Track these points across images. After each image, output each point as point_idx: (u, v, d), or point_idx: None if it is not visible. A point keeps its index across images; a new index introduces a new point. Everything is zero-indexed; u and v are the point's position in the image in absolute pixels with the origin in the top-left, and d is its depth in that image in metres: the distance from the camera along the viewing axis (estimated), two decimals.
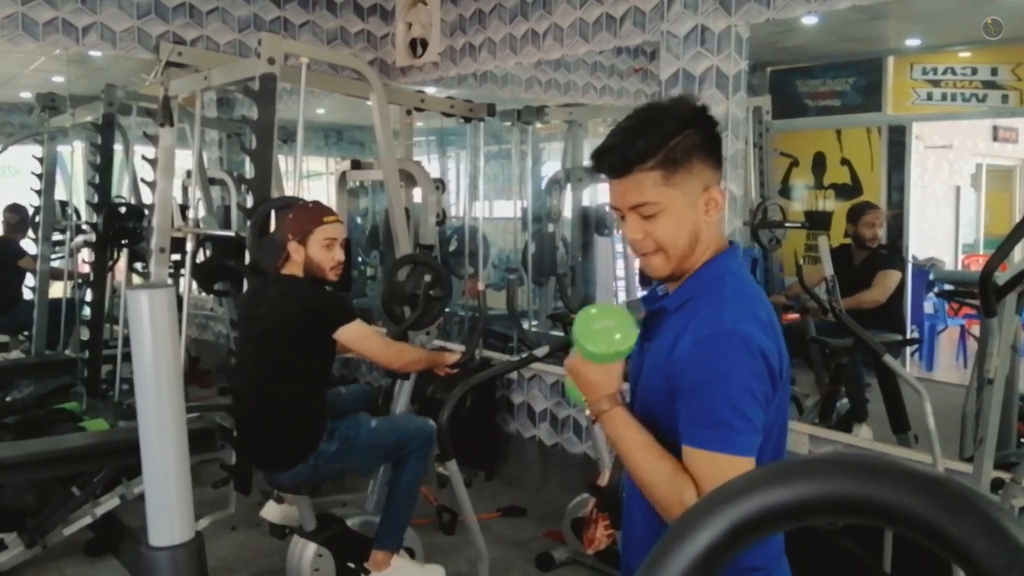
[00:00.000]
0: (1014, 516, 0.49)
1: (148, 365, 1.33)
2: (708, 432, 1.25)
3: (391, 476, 3.12)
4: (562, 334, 3.84)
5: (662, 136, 1.31)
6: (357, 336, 2.93)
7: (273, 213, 3.41)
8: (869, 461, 0.54)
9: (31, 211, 5.37)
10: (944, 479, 0.51)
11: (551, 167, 5.51)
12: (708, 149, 1.35)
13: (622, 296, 5.30)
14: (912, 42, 4.66)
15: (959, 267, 5.42)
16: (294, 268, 2.97)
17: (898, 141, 4.95)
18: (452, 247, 5.45)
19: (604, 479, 2.94)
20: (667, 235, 1.34)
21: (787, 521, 0.52)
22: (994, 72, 4.60)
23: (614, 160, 1.33)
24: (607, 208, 4.84)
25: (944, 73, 4.74)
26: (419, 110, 4.73)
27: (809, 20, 3.44)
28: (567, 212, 5.31)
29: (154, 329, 1.32)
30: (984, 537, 0.46)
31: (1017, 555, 0.44)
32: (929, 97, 4.78)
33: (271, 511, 3.25)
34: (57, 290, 5.27)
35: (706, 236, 1.36)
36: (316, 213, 3.01)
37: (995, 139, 5.75)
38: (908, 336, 4.55)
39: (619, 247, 5.27)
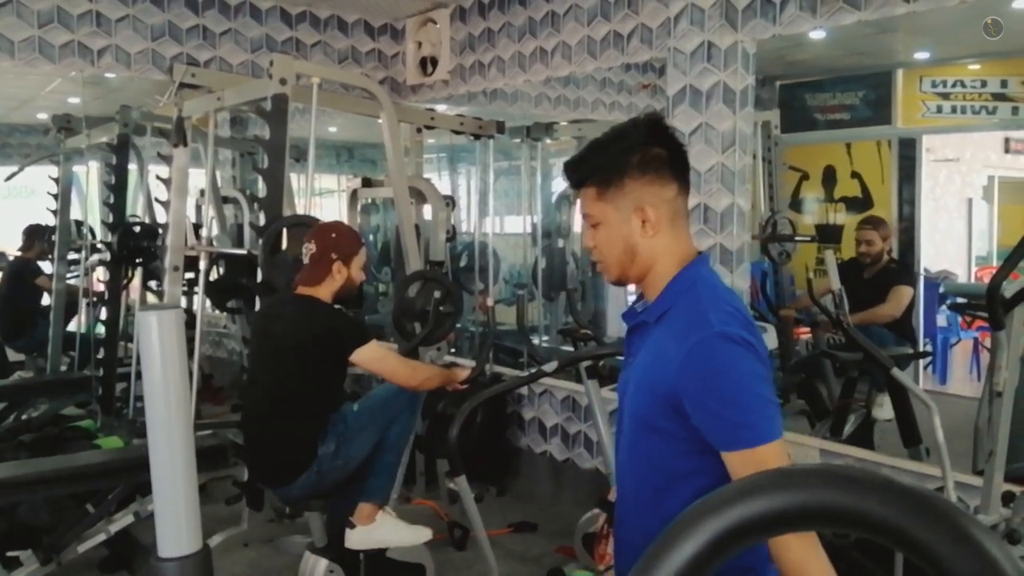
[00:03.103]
0: (984, 527, 0.50)
1: (158, 382, 1.38)
2: (747, 431, 1.28)
3: (380, 434, 3.10)
4: (572, 349, 3.83)
5: (605, 156, 1.43)
6: (373, 357, 2.96)
7: (285, 231, 3.44)
8: (846, 472, 0.55)
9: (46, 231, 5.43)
10: (916, 489, 0.52)
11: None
12: (647, 168, 1.41)
13: None
14: (921, 55, 4.67)
15: (972, 280, 5.40)
16: (323, 289, 2.98)
17: (908, 154, 4.95)
18: (462, 263, 5.47)
19: (615, 494, 2.94)
20: (602, 245, 1.46)
21: (769, 530, 0.54)
22: (1004, 84, 4.60)
23: (569, 173, 1.50)
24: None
25: (954, 86, 4.75)
26: (429, 128, 4.77)
27: (817, 34, 3.45)
28: (577, 227, 5.33)
29: (163, 348, 1.36)
30: (954, 547, 0.47)
31: (987, 565, 0.45)
32: (939, 110, 4.78)
33: None
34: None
35: (649, 250, 1.43)
36: (356, 235, 3.11)
37: (1007, 151, 5.73)
38: (921, 349, 4.53)
39: None
